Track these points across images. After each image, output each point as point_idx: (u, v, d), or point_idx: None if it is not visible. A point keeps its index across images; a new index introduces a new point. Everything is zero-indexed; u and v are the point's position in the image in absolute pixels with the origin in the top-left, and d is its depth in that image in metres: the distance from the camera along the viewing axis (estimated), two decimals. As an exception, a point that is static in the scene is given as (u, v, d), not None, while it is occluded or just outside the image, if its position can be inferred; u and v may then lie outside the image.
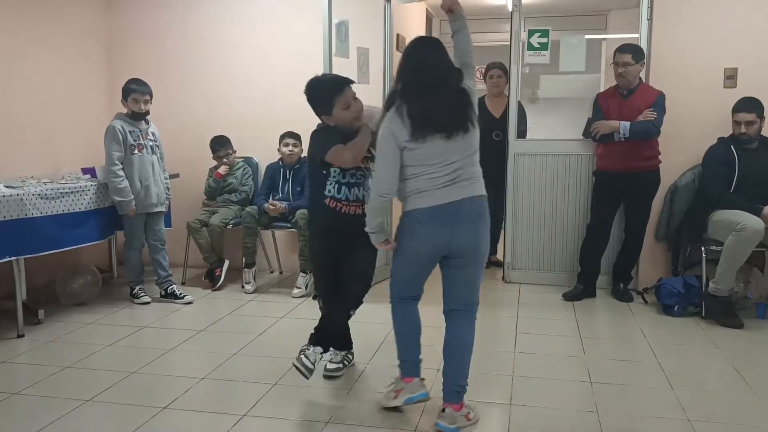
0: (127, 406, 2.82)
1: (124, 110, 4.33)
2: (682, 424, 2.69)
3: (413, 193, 2.53)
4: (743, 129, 4.10)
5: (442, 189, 2.50)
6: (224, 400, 2.92)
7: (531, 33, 4.86)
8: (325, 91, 2.85)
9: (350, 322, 3.18)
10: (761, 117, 4.11)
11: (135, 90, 4.27)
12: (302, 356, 2.85)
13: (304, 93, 2.88)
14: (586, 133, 4.62)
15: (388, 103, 2.55)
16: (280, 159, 4.85)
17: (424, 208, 2.52)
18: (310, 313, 4.24)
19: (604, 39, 6.43)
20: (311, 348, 2.91)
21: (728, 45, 4.47)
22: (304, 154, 4.83)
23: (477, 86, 2.74)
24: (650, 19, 4.55)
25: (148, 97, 4.33)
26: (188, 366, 3.36)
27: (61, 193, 3.95)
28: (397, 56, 5.59)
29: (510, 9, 4.85)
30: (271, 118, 5.00)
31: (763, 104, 4.12)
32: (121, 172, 4.21)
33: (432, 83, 2.50)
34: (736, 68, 4.47)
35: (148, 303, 4.38)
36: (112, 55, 5.35)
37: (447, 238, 2.52)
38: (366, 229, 2.64)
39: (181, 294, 4.43)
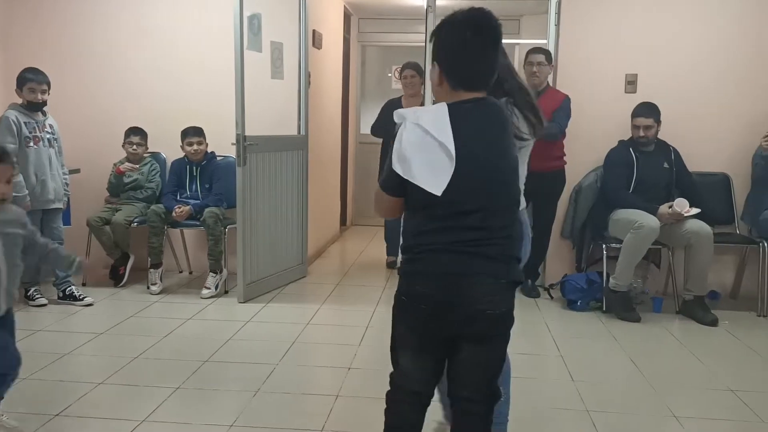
0: (16, 414, 2.64)
1: (19, 100, 4.08)
2: (581, 414, 2.79)
3: None
4: (641, 133, 4.30)
5: None
6: (122, 405, 2.80)
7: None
8: None
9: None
10: (658, 121, 4.33)
11: (31, 79, 4.04)
12: None
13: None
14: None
15: None
16: (186, 155, 4.69)
17: None
18: (219, 314, 4.15)
19: (517, 44, 6.61)
20: None
21: (630, 52, 4.69)
22: (211, 149, 4.70)
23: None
24: (557, 25, 4.71)
25: (45, 87, 4.09)
26: (85, 371, 3.20)
27: (-56, 187, 3.67)
28: (313, 52, 5.57)
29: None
30: (180, 113, 4.80)
31: (660, 109, 4.34)
32: (15, 166, 3.95)
33: None
34: (636, 74, 4.69)
35: (45, 305, 4.14)
36: (8, 43, 5.01)
37: None
38: None
39: (80, 295, 4.20)
